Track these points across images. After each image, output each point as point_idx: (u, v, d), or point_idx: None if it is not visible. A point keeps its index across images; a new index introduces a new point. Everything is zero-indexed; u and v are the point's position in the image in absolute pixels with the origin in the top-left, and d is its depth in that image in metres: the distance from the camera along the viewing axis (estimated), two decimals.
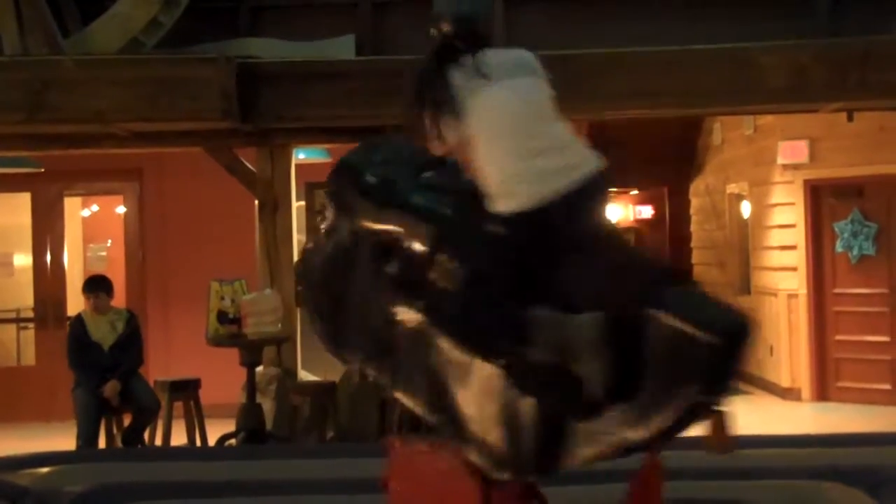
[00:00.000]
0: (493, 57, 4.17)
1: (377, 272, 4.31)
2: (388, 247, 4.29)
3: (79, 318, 8.96)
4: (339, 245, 4.49)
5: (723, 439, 4.03)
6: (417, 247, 4.18)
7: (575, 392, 3.82)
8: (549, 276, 3.96)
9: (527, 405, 3.90)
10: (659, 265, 4.43)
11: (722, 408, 3.96)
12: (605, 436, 3.91)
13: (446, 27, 4.21)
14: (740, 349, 3.90)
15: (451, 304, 4.00)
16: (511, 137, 4.07)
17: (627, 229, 18.82)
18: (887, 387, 11.71)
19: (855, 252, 12.03)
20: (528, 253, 3.96)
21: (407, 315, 4.18)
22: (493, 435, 3.99)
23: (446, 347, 4.07)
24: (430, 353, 4.13)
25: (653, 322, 3.80)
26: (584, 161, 4.12)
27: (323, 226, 4.61)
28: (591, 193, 4.07)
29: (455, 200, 4.26)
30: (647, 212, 19.08)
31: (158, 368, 11.02)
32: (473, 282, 3.96)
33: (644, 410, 3.83)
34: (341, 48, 8.69)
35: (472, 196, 4.14)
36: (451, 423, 4.15)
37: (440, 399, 4.15)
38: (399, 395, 4.35)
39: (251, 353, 8.19)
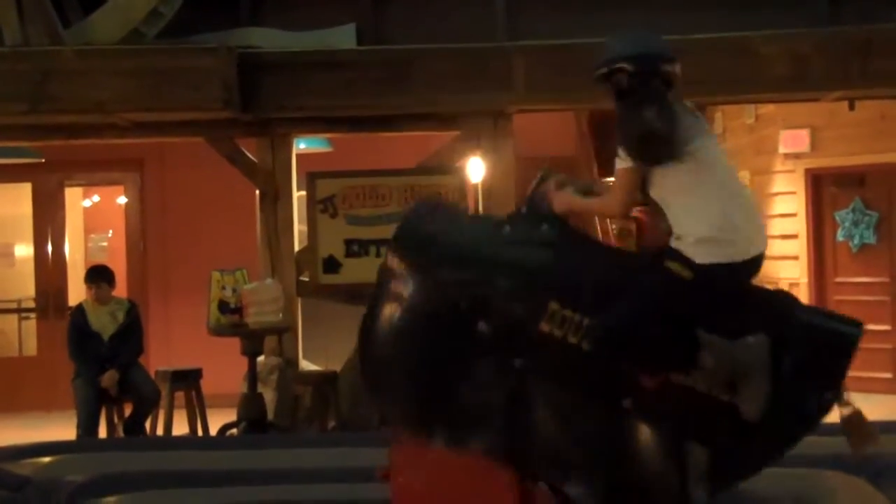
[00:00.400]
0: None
1: (466, 333, 4.22)
2: (477, 305, 4.21)
3: (79, 308, 8.97)
4: (412, 312, 4.29)
5: (867, 432, 4.36)
6: (518, 300, 4.14)
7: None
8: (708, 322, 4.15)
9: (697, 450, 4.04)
10: (776, 293, 4.61)
11: (853, 405, 4.28)
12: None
13: (628, 67, 4.28)
14: (855, 349, 4.24)
15: (620, 323, 4.10)
16: (725, 189, 4.22)
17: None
18: (888, 375, 11.72)
19: (856, 241, 12.03)
20: (702, 299, 4.15)
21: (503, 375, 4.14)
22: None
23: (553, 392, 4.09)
24: (533, 408, 4.14)
25: (798, 331, 4.16)
26: (762, 236, 4.36)
27: (388, 295, 4.34)
28: (756, 268, 4.29)
29: (555, 251, 4.27)
30: None
31: (160, 358, 11.03)
32: (642, 312, 4.11)
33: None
34: (342, 38, 8.68)
35: (570, 244, 4.31)
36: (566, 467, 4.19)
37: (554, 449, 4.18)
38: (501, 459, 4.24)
39: (252, 342, 8.19)
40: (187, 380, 8.95)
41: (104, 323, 8.79)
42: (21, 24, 8.08)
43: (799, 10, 8.68)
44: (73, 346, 8.77)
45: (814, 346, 4.18)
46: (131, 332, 8.85)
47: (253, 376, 8.23)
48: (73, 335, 8.80)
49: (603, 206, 4.56)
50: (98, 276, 8.93)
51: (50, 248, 12.62)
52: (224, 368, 8.87)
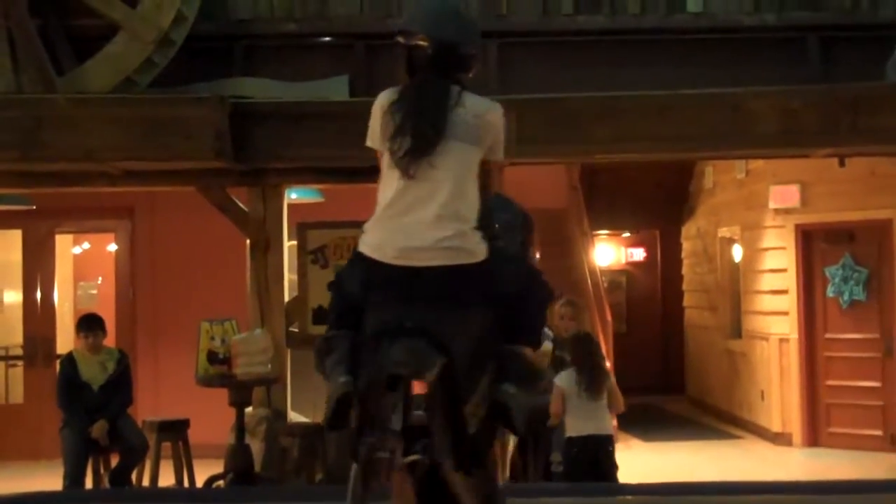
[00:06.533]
0: None
1: None
2: None
3: (70, 358, 8.91)
4: None
5: None
6: None
7: None
8: None
9: None
10: None
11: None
12: None
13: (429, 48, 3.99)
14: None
15: None
16: None
17: (619, 272, 18.85)
18: (878, 433, 11.69)
19: (846, 297, 12.04)
20: None
21: None
22: None
23: None
24: None
25: None
26: None
27: None
28: None
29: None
30: (638, 254, 19.10)
31: (147, 408, 10.95)
32: None
33: None
34: (335, 88, 8.71)
35: None
36: None
37: None
38: None
39: (240, 393, 8.15)
40: (175, 430, 8.89)
41: (94, 373, 8.74)
42: (14, 71, 8.10)
43: (789, 66, 8.74)
44: (62, 395, 8.71)
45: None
46: (122, 383, 8.80)
47: (241, 427, 8.17)
48: (63, 385, 8.74)
49: None
50: (94, 324, 8.89)
51: (39, 295, 12.58)
52: (212, 419, 8.81)
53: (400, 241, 3.85)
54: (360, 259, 3.95)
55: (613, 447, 7.57)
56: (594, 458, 7.44)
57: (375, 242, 3.90)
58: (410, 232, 3.84)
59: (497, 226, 4.23)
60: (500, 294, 3.91)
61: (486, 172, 4.07)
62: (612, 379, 7.60)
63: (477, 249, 3.87)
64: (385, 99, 4.02)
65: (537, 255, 4.74)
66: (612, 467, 7.46)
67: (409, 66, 4.03)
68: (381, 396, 3.69)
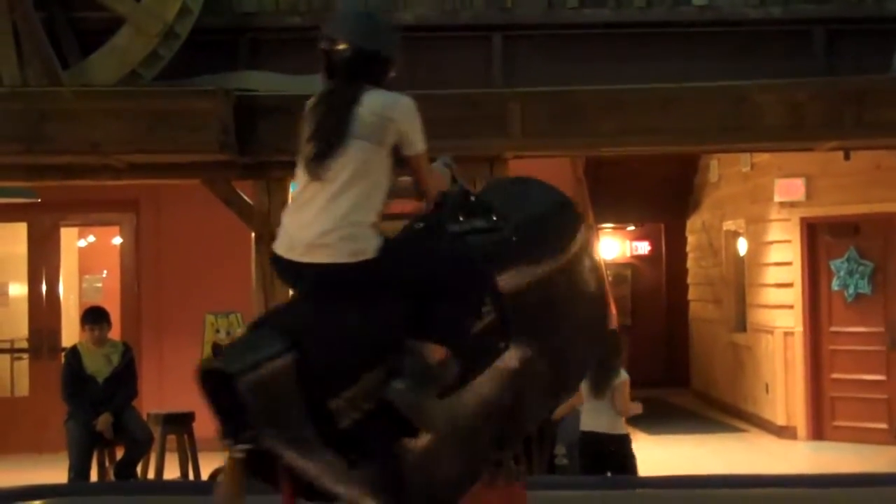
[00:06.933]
0: None
1: None
2: None
3: (74, 351, 8.92)
4: None
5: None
6: None
7: None
8: None
9: None
10: None
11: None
12: None
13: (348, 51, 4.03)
14: None
15: None
16: None
17: (624, 265, 18.84)
18: (883, 426, 11.67)
19: (851, 290, 12.02)
20: None
21: None
22: None
23: None
24: None
25: None
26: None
27: None
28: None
29: None
30: (643, 248, 19.08)
31: (152, 401, 10.96)
32: None
33: None
34: None
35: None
36: None
37: None
38: None
39: None
40: (180, 423, 8.90)
41: (99, 366, 8.75)
42: (20, 65, 8.12)
43: (794, 59, 8.73)
44: (66, 388, 8.72)
45: None
46: (126, 376, 8.81)
47: None
48: (68, 378, 8.75)
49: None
50: (99, 317, 8.90)
51: (44, 288, 12.59)
52: None
53: (287, 237, 3.97)
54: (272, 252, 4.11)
55: (620, 447, 7.49)
56: (596, 455, 7.44)
57: (277, 236, 4.05)
58: (296, 228, 3.95)
59: (494, 217, 4.19)
60: (398, 289, 3.91)
61: (416, 167, 4.09)
62: (623, 380, 7.52)
63: (359, 247, 3.86)
64: (307, 106, 4.14)
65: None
66: (619, 468, 7.42)
67: (329, 70, 4.09)
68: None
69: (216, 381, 3.81)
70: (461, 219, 4.15)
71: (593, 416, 7.44)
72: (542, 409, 4.50)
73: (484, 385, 4.04)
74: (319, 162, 3.97)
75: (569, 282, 4.29)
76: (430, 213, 4.20)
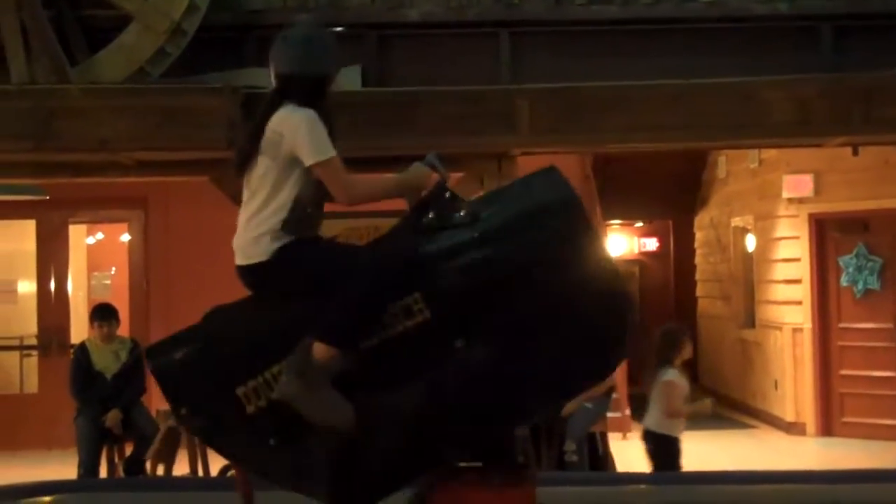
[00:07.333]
0: None
1: None
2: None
3: (82, 347, 8.95)
4: None
5: None
6: None
7: None
8: None
9: None
10: None
11: None
12: None
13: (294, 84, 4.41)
14: None
15: None
16: None
17: (632, 262, 18.83)
18: (892, 422, 11.66)
19: (860, 286, 12.02)
20: None
21: None
22: None
23: None
24: None
25: None
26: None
27: None
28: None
29: None
30: (651, 244, 19.08)
31: (161, 397, 10.96)
32: None
33: None
34: (347, 79, 8.70)
35: None
36: None
37: None
38: None
39: None
40: None
41: (108, 362, 8.78)
42: (28, 62, 8.12)
43: (802, 56, 8.70)
44: (75, 384, 8.75)
45: None
46: (134, 372, 8.83)
47: None
48: (77, 374, 8.78)
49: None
50: (108, 313, 8.93)
51: (53, 285, 12.62)
52: None
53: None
54: None
55: (654, 445, 7.60)
56: (648, 451, 7.65)
57: None
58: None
59: (462, 213, 4.30)
60: (291, 288, 4.29)
61: (318, 176, 4.35)
62: (665, 380, 7.58)
63: (254, 251, 4.24)
64: None
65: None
66: (655, 466, 7.54)
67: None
68: None
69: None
70: (430, 216, 4.33)
71: (649, 409, 7.57)
72: (524, 411, 4.44)
73: (438, 381, 4.13)
74: (237, 175, 4.38)
75: (562, 282, 4.21)
76: (412, 210, 4.43)
